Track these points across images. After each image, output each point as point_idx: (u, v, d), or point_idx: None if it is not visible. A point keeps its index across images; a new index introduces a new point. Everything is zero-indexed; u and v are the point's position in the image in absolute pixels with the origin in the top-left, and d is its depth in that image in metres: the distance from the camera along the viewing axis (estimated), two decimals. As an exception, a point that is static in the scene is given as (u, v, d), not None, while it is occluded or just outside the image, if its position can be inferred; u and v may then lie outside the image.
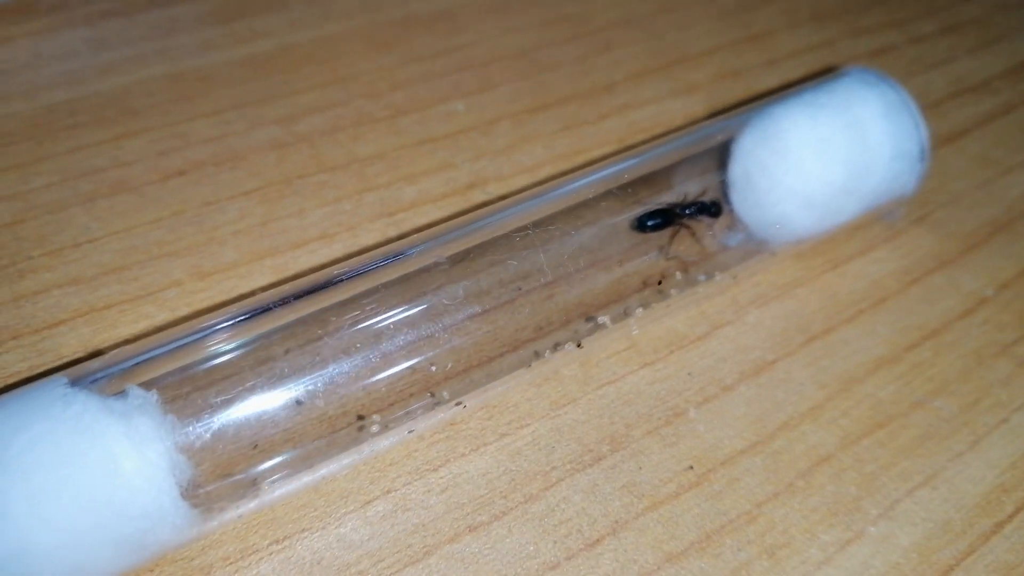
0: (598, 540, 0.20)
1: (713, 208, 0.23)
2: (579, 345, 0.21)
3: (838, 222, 0.24)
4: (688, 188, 0.23)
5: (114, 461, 0.16)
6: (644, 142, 0.28)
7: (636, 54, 0.32)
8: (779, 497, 0.21)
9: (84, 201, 0.25)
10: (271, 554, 0.19)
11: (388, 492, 0.20)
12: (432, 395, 0.20)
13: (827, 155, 0.23)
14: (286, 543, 0.19)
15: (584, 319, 0.21)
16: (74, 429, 0.17)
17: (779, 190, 0.23)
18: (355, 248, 0.24)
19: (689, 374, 0.23)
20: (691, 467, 0.21)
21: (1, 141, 0.27)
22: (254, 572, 0.19)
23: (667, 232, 0.23)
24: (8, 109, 0.28)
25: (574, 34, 0.33)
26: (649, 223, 0.23)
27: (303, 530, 0.20)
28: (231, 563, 0.19)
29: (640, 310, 0.22)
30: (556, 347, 0.21)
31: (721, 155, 0.24)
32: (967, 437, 0.22)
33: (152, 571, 0.19)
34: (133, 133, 0.27)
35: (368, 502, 0.20)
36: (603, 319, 0.21)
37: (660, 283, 0.22)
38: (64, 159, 0.26)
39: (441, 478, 0.21)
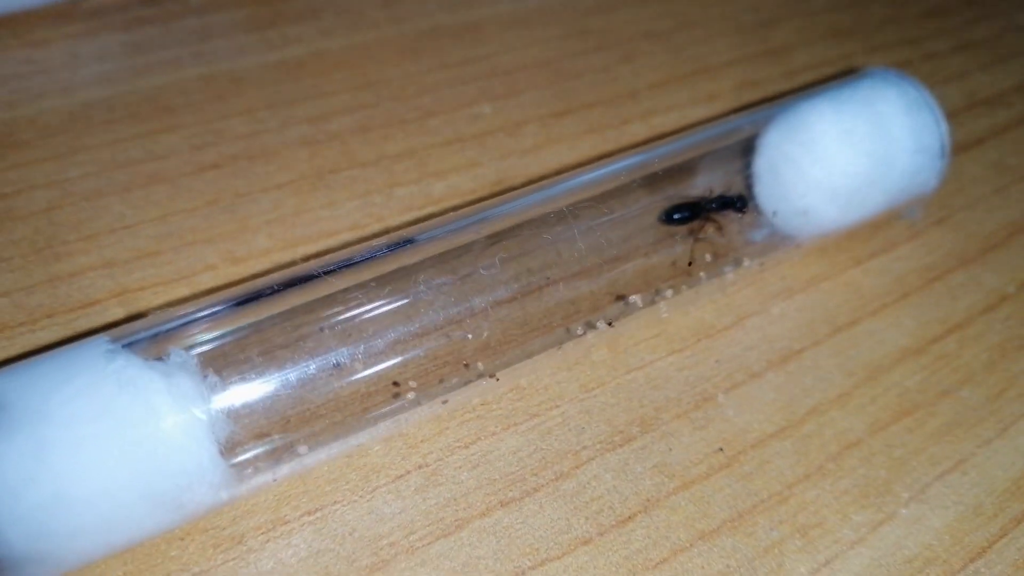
0: (630, 517, 0.20)
1: (739, 203, 0.24)
2: (610, 324, 0.21)
3: (862, 214, 0.24)
4: (714, 181, 0.24)
5: (155, 416, 0.17)
6: (672, 132, 0.28)
7: (657, 65, 0.33)
8: (810, 479, 0.21)
9: (120, 191, 0.26)
10: (303, 525, 0.19)
11: (420, 467, 0.20)
12: (466, 366, 0.20)
13: (851, 147, 0.23)
14: (318, 514, 0.19)
15: (615, 298, 0.22)
16: (116, 383, 0.17)
17: (805, 181, 0.23)
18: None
19: (717, 361, 0.23)
20: (721, 449, 0.21)
21: (39, 134, 0.27)
22: (286, 542, 0.19)
23: (694, 225, 0.23)
24: (46, 105, 0.28)
25: (597, 46, 0.33)
26: (676, 216, 0.23)
27: (335, 502, 0.20)
28: (263, 532, 0.19)
29: (670, 292, 0.22)
30: (588, 325, 0.21)
31: (746, 149, 0.24)
32: (995, 425, 0.23)
33: (183, 539, 0.19)
34: (168, 129, 0.28)
35: (400, 476, 0.20)
36: (634, 299, 0.22)
37: (690, 264, 0.22)
38: (100, 151, 0.27)
39: (472, 455, 0.21)
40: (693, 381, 0.23)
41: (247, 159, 0.27)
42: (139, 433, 0.16)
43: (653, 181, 0.23)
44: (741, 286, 0.25)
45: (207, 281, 0.24)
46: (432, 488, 0.20)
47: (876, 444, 0.22)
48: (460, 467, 0.20)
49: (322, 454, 0.19)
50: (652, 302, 0.22)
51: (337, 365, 0.19)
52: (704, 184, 0.24)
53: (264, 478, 0.18)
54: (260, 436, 0.18)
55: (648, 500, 0.20)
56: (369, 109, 0.30)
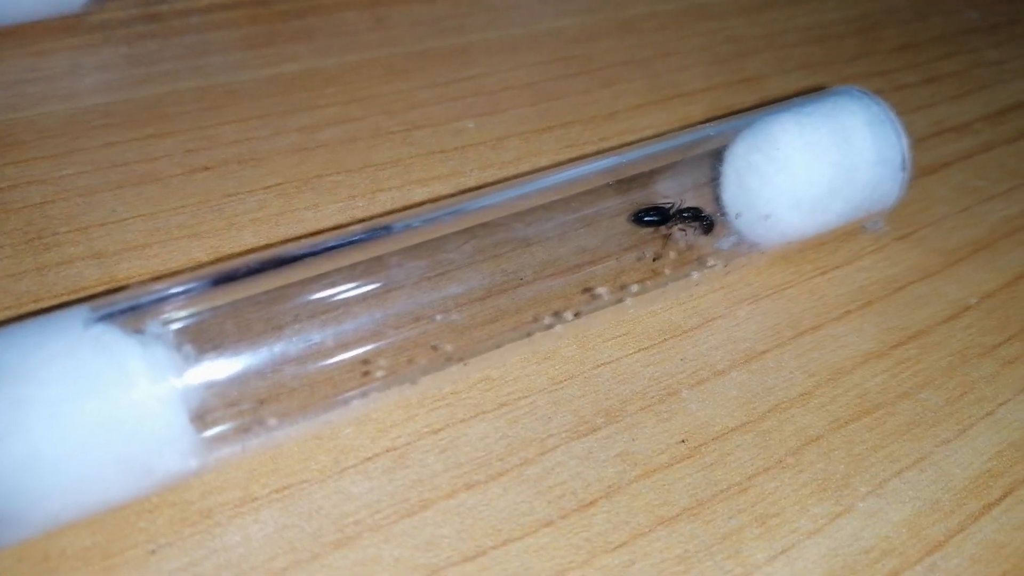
0: (592, 502, 0.20)
1: (706, 221, 0.25)
2: (577, 315, 0.22)
3: (825, 222, 0.25)
4: (684, 187, 0.25)
5: (129, 382, 0.17)
6: (644, 139, 0.30)
7: (636, 90, 0.34)
8: (770, 471, 0.21)
9: (113, 188, 0.27)
10: (271, 502, 0.20)
11: (388, 450, 0.21)
12: (435, 348, 0.20)
13: (814, 157, 0.24)
14: (287, 492, 0.20)
15: (582, 291, 0.22)
16: (93, 349, 0.17)
17: (769, 189, 0.24)
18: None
19: (682, 359, 0.24)
20: (683, 440, 0.22)
21: (37, 135, 0.28)
22: (254, 518, 0.19)
23: (662, 230, 0.24)
24: (46, 109, 0.29)
25: (579, 71, 0.35)
26: (646, 218, 0.24)
27: (304, 480, 0.20)
28: (232, 508, 0.19)
29: (636, 287, 0.23)
30: (556, 314, 0.22)
31: (714, 158, 0.25)
32: (954, 426, 0.23)
33: (152, 512, 0.19)
34: (163, 134, 0.29)
35: (368, 458, 0.21)
36: (601, 291, 0.22)
37: (655, 260, 0.23)
38: (96, 152, 0.28)
39: (440, 439, 0.21)
40: (659, 377, 0.23)
41: (237, 163, 0.28)
42: (113, 397, 0.17)
43: (624, 183, 0.24)
44: (707, 290, 0.26)
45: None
46: (400, 470, 0.20)
47: (836, 440, 0.22)
48: (428, 451, 0.21)
49: (291, 429, 0.19)
50: (619, 299, 0.23)
51: (309, 344, 0.19)
52: (674, 188, 0.25)
53: (234, 450, 0.19)
54: (231, 407, 0.19)
55: (610, 486, 0.21)
56: (357, 122, 0.31)
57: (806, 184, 0.24)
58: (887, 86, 0.36)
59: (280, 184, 0.28)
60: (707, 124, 0.26)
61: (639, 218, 0.24)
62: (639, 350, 0.24)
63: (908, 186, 0.26)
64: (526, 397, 0.22)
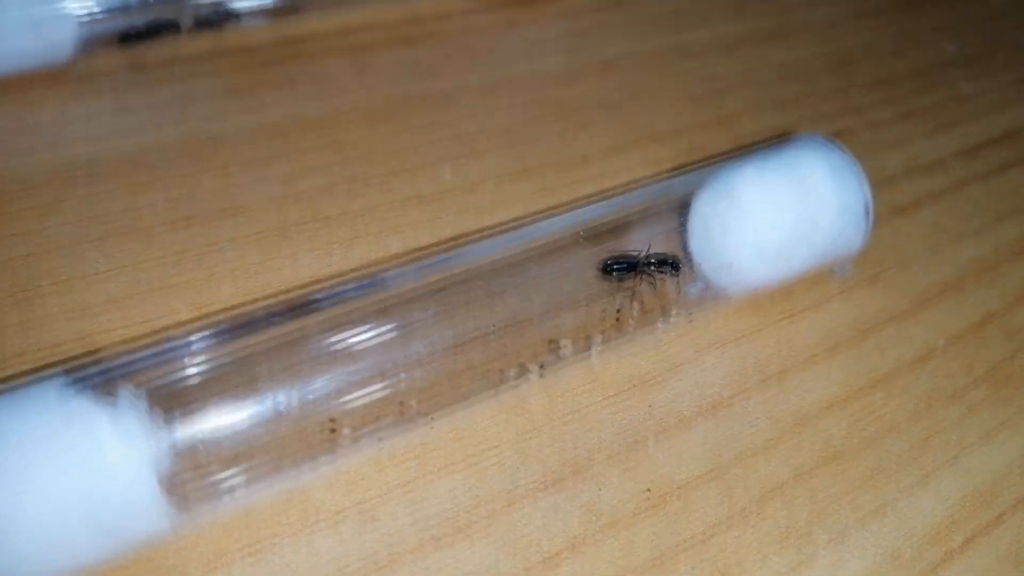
0: (556, 554, 0.21)
1: (673, 264, 0.25)
2: (541, 367, 0.23)
3: (789, 271, 0.26)
4: (652, 239, 0.25)
5: (100, 449, 0.18)
6: (611, 189, 0.30)
7: (610, 132, 0.35)
8: (732, 521, 0.22)
9: (96, 240, 0.27)
10: (242, 558, 0.20)
11: (358, 504, 0.21)
12: (401, 405, 0.21)
13: (775, 208, 0.25)
14: (258, 548, 0.20)
15: (548, 345, 0.23)
16: (65, 420, 0.18)
17: (732, 238, 0.25)
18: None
19: (650, 406, 0.24)
20: (648, 490, 0.22)
21: (23, 186, 0.29)
22: (225, 573, 0.20)
23: (630, 278, 0.25)
24: (32, 159, 0.30)
25: (555, 114, 0.35)
26: (615, 268, 0.25)
27: (275, 536, 0.21)
28: (203, 564, 0.20)
29: (600, 340, 0.23)
30: (522, 370, 0.22)
31: (682, 208, 0.26)
32: (917, 473, 0.24)
33: (127, 568, 0.20)
34: (146, 184, 0.30)
35: (338, 512, 0.21)
36: (565, 344, 0.23)
37: (618, 312, 0.24)
38: (80, 204, 0.29)
39: (409, 494, 0.22)
40: (626, 425, 0.24)
41: (218, 213, 0.29)
42: (84, 465, 0.18)
43: (593, 235, 0.25)
44: (675, 338, 0.26)
45: (168, 325, 0.25)
46: (369, 524, 0.21)
47: (799, 489, 0.23)
48: (397, 505, 0.21)
49: (262, 490, 0.20)
50: (585, 350, 0.23)
51: (277, 405, 0.20)
52: (643, 239, 0.25)
53: (205, 512, 0.19)
54: (202, 472, 0.19)
55: (575, 538, 0.21)
56: (336, 168, 0.31)
57: (767, 233, 0.25)
58: (860, 123, 0.37)
59: (259, 233, 0.28)
60: (674, 173, 0.27)
61: (607, 268, 0.25)
62: (606, 398, 0.24)
63: (873, 232, 0.27)
64: (494, 448, 0.23)
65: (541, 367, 0.23)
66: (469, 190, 0.31)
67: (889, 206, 0.32)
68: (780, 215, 0.25)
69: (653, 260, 0.25)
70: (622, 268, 0.25)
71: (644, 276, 0.25)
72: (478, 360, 0.22)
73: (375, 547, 0.20)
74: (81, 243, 0.27)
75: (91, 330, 0.25)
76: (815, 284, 0.28)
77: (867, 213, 0.26)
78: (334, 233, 0.29)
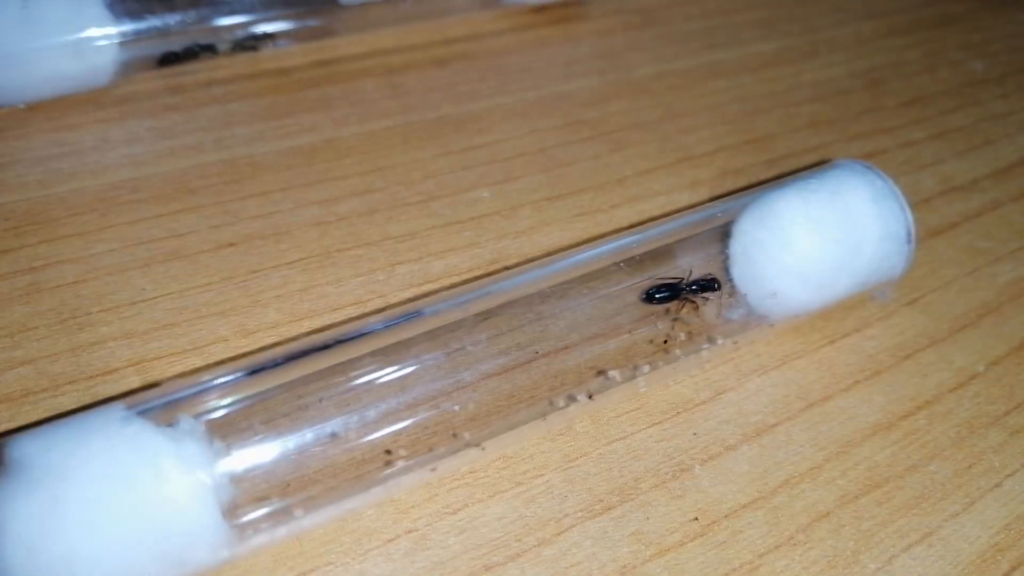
0: (607, 583, 0.21)
1: (714, 283, 0.25)
2: (591, 397, 0.23)
3: (832, 297, 0.26)
4: (693, 265, 0.26)
5: (163, 479, 0.18)
6: (653, 218, 0.30)
7: (645, 154, 0.35)
8: (780, 549, 0.22)
9: (141, 266, 0.28)
10: (297, 585, 0.20)
11: (410, 531, 0.22)
12: (454, 436, 0.21)
13: (819, 234, 0.25)
14: (311, 574, 0.21)
15: (596, 373, 0.23)
16: (130, 448, 0.18)
17: (775, 266, 0.25)
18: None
19: (694, 434, 0.24)
20: (696, 519, 0.22)
21: (69, 212, 0.29)
22: (280, 601, 0.20)
23: (674, 304, 0.25)
24: (76, 185, 0.31)
25: (590, 135, 0.36)
26: (657, 295, 0.25)
27: (328, 563, 0.21)
28: (260, 592, 0.20)
29: (647, 367, 0.24)
30: (570, 398, 0.23)
31: (723, 235, 0.26)
32: (962, 499, 0.24)
33: (185, 597, 0.20)
34: (189, 209, 0.30)
35: (390, 540, 0.21)
36: (613, 374, 0.23)
37: (666, 342, 0.24)
38: (125, 229, 0.29)
39: (460, 520, 0.22)
40: (671, 452, 0.24)
41: (261, 238, 0.29)
42: (147, 494, 0.18)
43: (634, 263, 0.25)
44: (718, 363, 0.26)
45: (219, 352, 0.25)
46: (420, 552, 0.21)
47: (845, 516, 0.23)
48: (448, 532, 0.22)
49: (317, 517, 0.20)
50: (631, 377, 0.24)
51: (333, 434, 0.20)
52: (684, 265, 0.25)
53: (263, 539, 0.20)
54: (260, 500, 0.19)
55: (624, 567, 0.21)
56: (376, 193, 0.32)
57: (811, 261, 0.25)
58: (894, 143, 0.37)
59: (302, 259, 0.29)
60: (716, 202, 0.27)
61: (651, 296, 0.25)
62: (651, 425, 0.25)
63: (914, 256, 0.27)
64: (542, 475, 0.23)
65: (590, 396, 0.23)
66: (508, 214, 0.31)
67: (925, 227, 0.32)
68: (823, 242, 0.25)
69: (694, 284, 0.25)
70: (665, 295, 0.25)
71: (687, 301, 0.25)
72: (528, 388, 0.22)
73: (427, 574, 0.21)
74: (127, 269, 0.28)
75: (141, 356, 0.25)
76: (854, 308, 0.29)
77: (909, 239, 0.26)
78: (376, 258, 0.29)
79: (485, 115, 0.36)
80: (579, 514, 0.22)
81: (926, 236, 0.32)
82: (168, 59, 0.36)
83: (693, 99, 0.39)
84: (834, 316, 0.28)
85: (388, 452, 0.20)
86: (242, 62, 0.37)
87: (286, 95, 0.36)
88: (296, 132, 0.34)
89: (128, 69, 0.35)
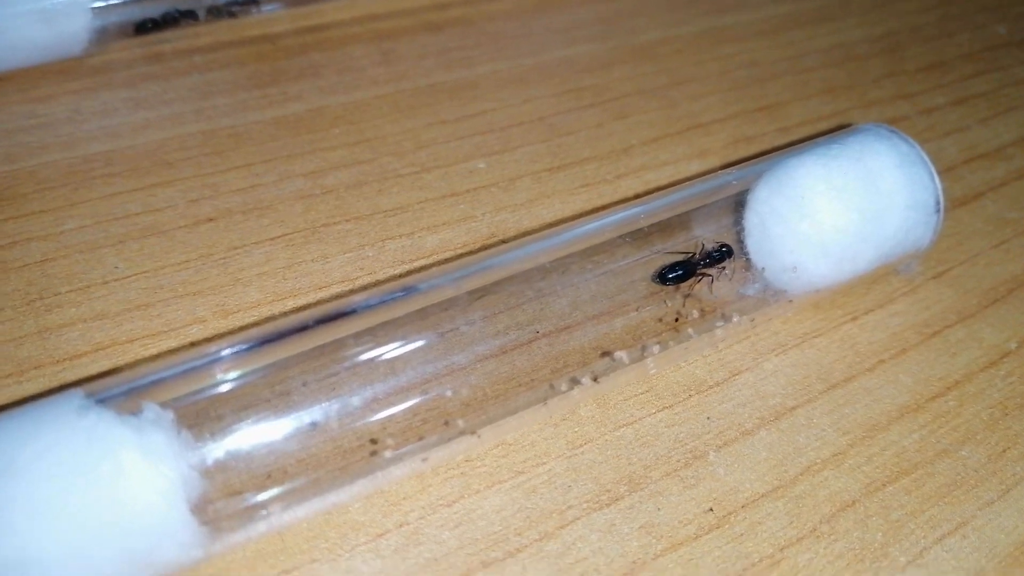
0: (615, 580, 0.19)
1: (726, 251, 0.24)
2: (596, 379, 0.21)
3: (854, 270, 0.24)
4: (704, 237, 0.24)
5: (125, 473, 0.16)
6: (661, 188, 0.28)
7: (651, 121, 0.33)
8: (803, 542, 0.20)
9: (115, 243, 0.26)
10: (279, 585, 0.19)
11: (401, 525, 0.20)
12: (447, 423, 0.19)
13: (841, 203, 0.23)
14: (295, 573, 0.19)
15: (601, 354, 0.21)
16: (87, 439, 0.17)
17: (794, 237, 0.23)
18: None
19: (708, 418, 0.23)
20: (711, 509, 0.21)
21: (38, 187, 0.28)
22: (260, 603, 0.18)
23: (688, 283, 0.23)
24: (47, 158, 0.29)
25: (591, 102, 0.34)
26: (671, 275, 0.23)
27: (313, 560, 0.19)
28: (237, 593, 0.18)
29: (657, 347, 0.22)
30: (573, 381, 0.21)
31: (737, 205, 0.24)
32: (997, 486, 0.22)
33: (156, 599, 0.18)
34: (166, 183, 0.28)
35: (380, 535, 0.20)
36: (620, 354, 0.21)
37: (677, 320, 0.22)
38: (98, 204, 0.27)
39: (455, 513, 0.20)
40: (683, 438, 0.22)
41: (242, 213, 0.27)
42: (108, 490, 0.16)
43: (641, 236, 0.23)
44: (733, 342, 0.25)
45: (196, 334, 0.24)
46: (412, 547, 0.19)
47: (872, 506, 0.21)
48: (442, 526, 0.20)
49: (298, 512, 0.19)
50: (640, 357, 0.22)
51: (314, 422, 0.18)
52: (695, 238, 0.24)
53: (239, 536, 0.18)
54: (234, 494, 0.18)
55: (635, 562, 0.20)
56: (365, 164, 0.30)
57: (833, 231, 0.23)
58: (914, 110, 0.35)
59: (286, 235, 0.27)
60: (728, 169, 0.25)
61: (663, 277, 0.23)
62: (662, 409, 0.23)
63: (942, 226, 0.25)
64: (543, 464, 0.21)
65: (595, 379, 0.21)
66: (505, 186, 0.29)
67: (950, 197, 0.30)
68: (846, 211, 0.23)
69: (708, 258, 0.23)
70: (679, 274, 0.23)
71: (703, 276, 0.23)
72: (527, 371, 0.20)
73: (420, 572, 0.19)
74: (100, 246, 0.26)
75: (112, 340, 0.23)
76: (877, 283, 0.27)
77: (937, 208, 0.24)
78: (365, 233, 0.27)
79: (480, 82, 0.34)
80: (584, 505, 0.21)
81: (951, 206, 0.30)
82: (145, 26, 0.34)
83: (700, 65, 0.37)
84: (856, 291, 0.26)
85: (374, 441, 0.19)
86: (224, 29, 0.35)
87: (270, 63, 0.34)
88: (281, 101, 0.32)
89: (103, 37, 0.33)
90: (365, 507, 0.20)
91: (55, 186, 0.28)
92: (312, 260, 0.26)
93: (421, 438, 0.19)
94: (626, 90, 0.34)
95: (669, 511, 0.21)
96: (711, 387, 0.23)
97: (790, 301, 0.24)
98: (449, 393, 0.19)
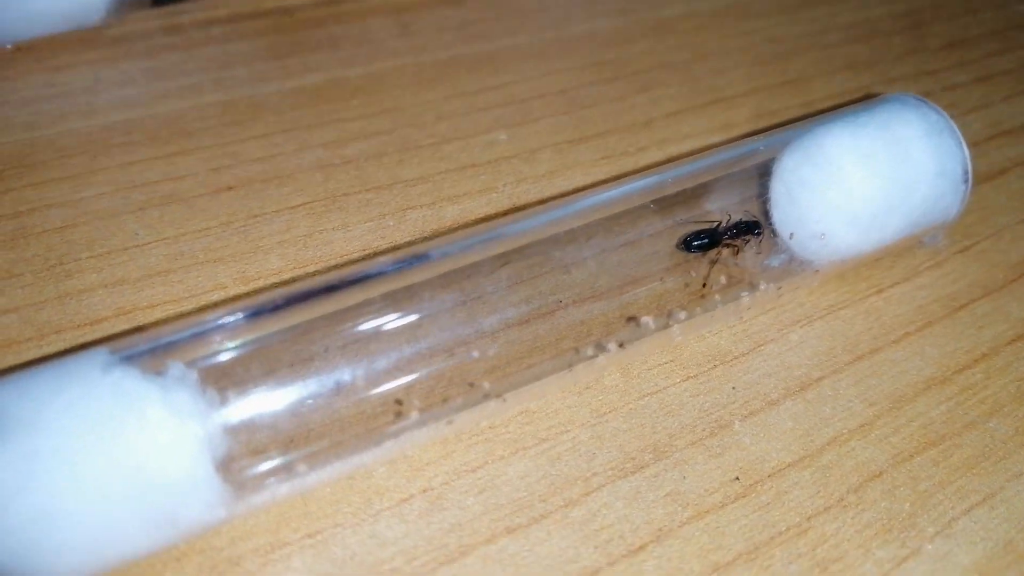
0: (641, 547, 0.19)
1: (755, 226, 0.23)
2: (621, 345, 0.21)
3: (882, 239, 0.24)
4: (730, 205, 0.23)
5: (150, 429, 0.16)
6: (678, 155, 0.28)
7: (674, 95, 0.33)
8: (830, 511, 0.20)
9: (135, 210, 0.26)
10: (302, 548, 0.19)
11: (425, 491, 0.20)
12: (471, 385, 0.19)
13: (870, 170, 0.23)
14: (319, 537, 0.19)
15: (627, 320, 0.21)
16: (112, 395, 0.16)
17: (822, 206, 0.23)
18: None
19: (733, 388, 0.23)
20: (737, 478, 0.21)
21: (57, 155, 0.27)
22: (284, 565, 0.18)
23: (712, 251, 0.23)
24: (66, 127, 0.29)
25: (613, 76, 0.33)
26: (695, 243, 0.23)
27: (337, 525, 0.19)
28: (262, 555, 0.18)
29: (684, 315, 0.22)
30: (599, 347, 0.21)
31: (763, 173, 0.24)
32: (1025, 458, 0.22)
33: (180, 560, 0.18)
34: (186, 152, 0.28)
35: (404, 500, 0.20)
36: (646, 320, 0.21)
37: (704, 286, 0.22)
38: (117, 172, 0.27)
39: (479, 479, 0.20)
40: (708, 408, 0.22)
41: (262, 181, 0.27)
42: (132, 447, 0.16)
43: (667, 203, 0.23)
44: (758, 312, 0.24)
45: (216, 300, 0.24)
46: (436, 513, 0.19)
47: (899, 476, 0.21)
48: (466, 492, 0.20)
49: (323, 474, 0.18)
50: (665, 325, 0.22)
51: (339, 383, 0.18)
52: (719, 207, 0.23)
53: (262, 497, 0.18)
54: (259, 454, 0.18)
55: (660, 530, 0.19)
56: (385, 135, 0.30)
57: (862, 200, 0.23)
58: (937, 87, 0.35)
59: (307, 203, 0.27)
60: (754, 137, 0.25)
61: (688, 244, 0.23)
62: (687, 378, 0.23)
63: (969, 197, 0.25)
64: (567, 431, 0.21)
65: (620, 345, 0.21)
66: (526, 157, 0.29)
67: (975, 173, 0.30)
68: (875, 179, 0.23)
69: (734, 229, 0.23)
70: (703, 242, 0.23)
71: (727, 247, 0.23)
72: (552, 337, 0.20)
73: (444, 537, 0.19)
74: (120, 213, 0.26)
75: (133, 305, 0.23)
76: (902, 256, 0.26)
77: (966, 177, 0.24)
78: (386, 203, 0.27)
79: (501, 56, 0.34)
80: (609, 473, 0.20)
81: (976, 181, 0.30)
82: (164, -3, 0.34)
83: (722, 39, 0.36)
84: (881, 264, 0.26)
85: (399, 403, 0.19)
86: (242, 0, 0.35)
87: (288, 34, 0.34)
88: (300, 72, 0.32)
89: (121, 7, 0.33)
90: (389, 472, 0.20)
91: (74, 154, 0.28)
92: (333, 229, 0.26)
93: (445, 400, 0.19)
94: (648, 64, 0.34)
95: (695, 480, 0.20)
96: (736, 357, 0.23)
97: (816, 271, 0.24)
98: (475, 355, 0.19)
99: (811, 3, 0.40)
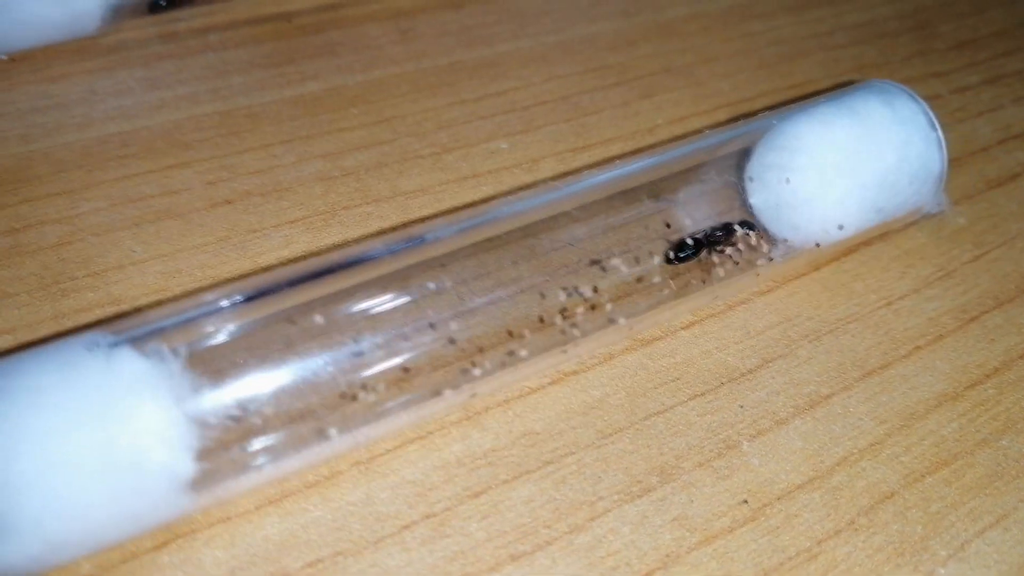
0: (648, 574, 0.19)
1: (733, 227, 0.23)
2: (594, 290, 0.21)
3: (863, 197, 0.24)
4: (710, 216, 0.24)
5: (132, 412, 0.16)
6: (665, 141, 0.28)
7: (678, 100, 0.32)
8: (841, 535, 0.20)
9: (130, 226, 0.25)
10: (304, 578, 0.18)
11: (427, 516, 0.19)
12: (464, 371, 0.19)
13: (834, 150, 0.23)
14: (320, 567, 0.18)
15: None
16: (96, 377, 0.16)
17: (792, 173, 0.23)
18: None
19: (741, 406, 0.22)
20: (745, 501, 0.20)
21: (52, 169, 0.27)
22: (285, 596, 0.18)
23: (700, 258, 0.23)
24: (61, 140, 0.28)
25: (616, 81, 0.33)
26: (681, 255, 0.22)
27: (338, 553, 0.19)
28: (262, 585, 0.18)
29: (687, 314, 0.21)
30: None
31: (740, 161, 0.24)
32: (1039, 478, 0.21)
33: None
34: (182, 164, 0.28)
35: (406, 527, 0.19)
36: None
37: (703, 281, 0.22)
38: (113, 186, 0.27)
39: (482, 504, 0.20)
40: (716, 427, 0.22)
41: (260, 195, 0.27)
42: (114, 429, 0.16)
43: (635, 194, 0.23)
44: (763, 327, 0.24)
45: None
46: (439, 540, 0.19)
47: (911, 497, 0.21)
48: (469, 517, 0.19)
49: (303, 460, 0.18)
50: (662, 336, 0.21)
51: (323, 371, 0.18)
52: (693, 220, 0.23)
53: (240, 483, 0.18)
54: (240, 439, 0.18)
55: (668, 556, 0.19)
56: (385, 145, 0.29)
57: (824, 164, 0.23)
58: (946, 89, 0.34)
59: (306, 217, 0.26)
60: (730, 127, 0.25)
61: (676, 256, 0.22)
62: (693, 397, 0.22)
63: (970, 206, 0.24)
64: (572, 454, 0.21)
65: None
66: (528, 167, 0.29)
67: (985, 178, 0.30)
68: (834, 144, 0.23)
69: (719, 232, 0.23)
70: (690, 252, 0.22)
71: (712, 252, 0.23)
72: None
73: (447, 566, 0.19)
74: (115, 229, 0.25)
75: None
76: (914, 265, 0.26)
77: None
78: (386, 216, 0.26)
79: (502, 61, 0.33)
80: (615, 497, 0.20)
81: (986, 188, 0.29)
82: (159, 4, 0.33)
83: (727, 42, 0.36)
84: (889, 272, 0.26)
85: (364, 387, 0.18)
86: (240, 7, 0.34)
87: (287, 41, 0.33)
88: (298, 81, 0.31)
89: (116, 16, 0.32)
90: (391, 497, 0.20)
91: (70, 168, 0.27)
92: (332, 244, 0.26)
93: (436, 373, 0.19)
94: (652, 68, 0.34)
95: (702, 503, 0.20)
96: (743, 374, 0.23)
97: (798, 256, 0.24)
98: (454, 327, 0.19)
99: (816, 3, 0.39)
